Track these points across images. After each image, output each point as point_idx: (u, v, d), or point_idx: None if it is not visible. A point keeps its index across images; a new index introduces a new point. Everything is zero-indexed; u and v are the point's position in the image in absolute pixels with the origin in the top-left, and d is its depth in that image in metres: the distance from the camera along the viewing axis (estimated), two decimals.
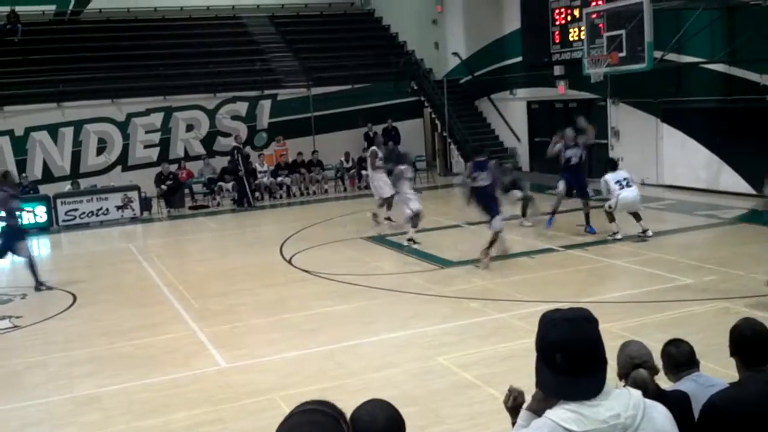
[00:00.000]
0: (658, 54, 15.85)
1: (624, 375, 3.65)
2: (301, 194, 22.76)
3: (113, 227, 19.15)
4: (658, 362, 3.89)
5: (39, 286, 12.46)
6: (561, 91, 22.07)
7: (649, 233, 12.98)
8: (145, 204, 20.44)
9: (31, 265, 12.59)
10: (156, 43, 26.34)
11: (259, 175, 22.08)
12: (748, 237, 13.17)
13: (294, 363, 8.15)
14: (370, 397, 2.49)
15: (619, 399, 2.39)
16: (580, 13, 18.86)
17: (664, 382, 3.85)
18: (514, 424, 2.81)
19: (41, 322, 10.51)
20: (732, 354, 3.56)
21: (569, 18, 20.51)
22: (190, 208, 21.49)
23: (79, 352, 9.08)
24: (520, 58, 23.41)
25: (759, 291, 9.15)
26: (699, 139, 17.81)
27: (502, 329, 8.77)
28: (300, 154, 23.25)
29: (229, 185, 21.64)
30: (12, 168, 21.84)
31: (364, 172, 23.14)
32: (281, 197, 22.47)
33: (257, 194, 21.74)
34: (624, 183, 12.87)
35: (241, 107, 24.72)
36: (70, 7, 28.21)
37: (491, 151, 17.14)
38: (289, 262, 13.39)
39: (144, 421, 6.90)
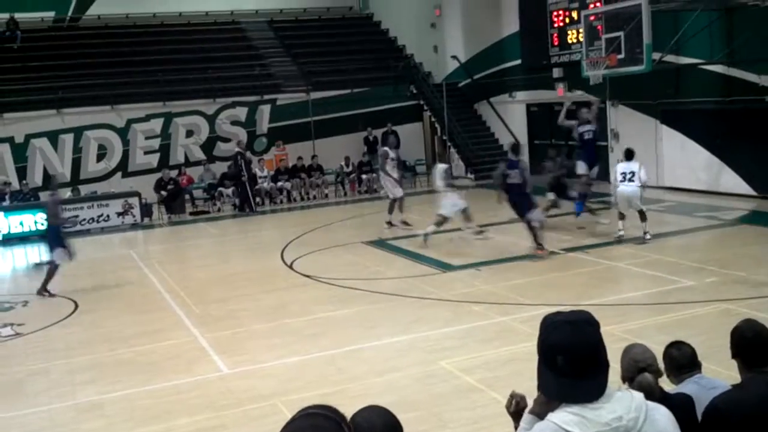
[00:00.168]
0: (656, 55, 15.87)
1: (629, 378, 3.64)
2: (302, 199, 22.77)
3: (114, 234, 19.17)
4: (661, 365, 3.89)
5: (43, 291, 12.46)
6: (560, 93, 22.08)
7: (647, 237, 12.89)
8: (146, 210, 20.46)
9: (52, 272, 12.61)
10: (155, 49, 26.37)
11: (259, 180, 22.10)
12: (748, 238, 13.16)
13: (295, 368, 8.15)
14: (372, 401, 2.49)
15: (622, 401, 2.39)
16: (579, 15, 18.88)
17: (666, 384, 3.85)
18: (516, 428, 2.82)
19: (43, 329, 10.51)
20: (733, 356, 3.56)
21: (567, 20, 20.53)
22: (191, 213, 21.50)
23: (80, 359, 9.08)
24: (518, 61, 23.44)
25: (761, 292, 9.15)
26: (699, 141, 17.81)
27: (504, 333, 8.77)
28: (300, 158, 23.27)
29: (229, 190, 21.66)
30: (12, 175, 21.91)
31: (364, 176, 23.21)
32: (282, 202, 22.47)
33: (258, 199, 21.76)
34: (628, 176, 12.80)
35: (241, 112, 24.73)
36: (69, 14, 28.26)
37: (490, 154, 17.21)
38: (290, 267, 13.39)
39: (146, 427, 6.90)
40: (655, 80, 17.56)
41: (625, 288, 10.72)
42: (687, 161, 18.05)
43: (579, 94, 16.33)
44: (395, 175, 16.30)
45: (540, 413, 2.54)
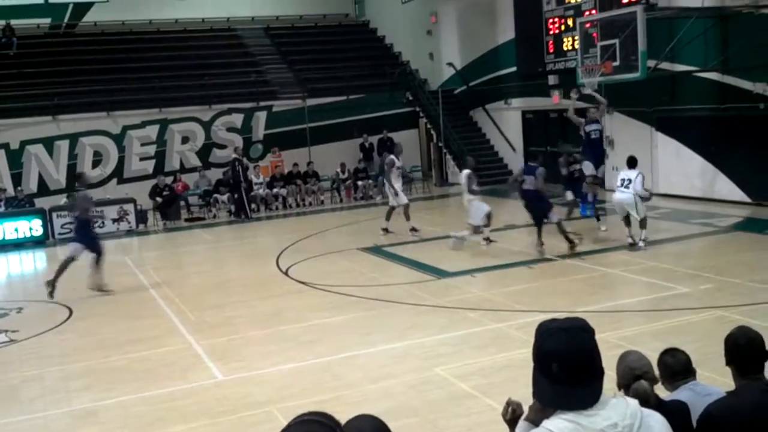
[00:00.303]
0: (651, 63, 15.90)
1: (624, 386, 3.65)
2: (297, 205, 22.76)
3: (109, 240, 19.08)
4: (656, 372, 3.89)
5: (51, 285, 12.45)
6: (555, 100, 22.14)
7: (640, 244, 12.86)
8: (141, 216, 20.43)
9: (65, 265, 12.64)
10: (151, 56, 26.41)
11: (255, 187, 22.10)
12: (743, 245, 13.19)
13: (291, 375, 8.14)
14: (367, 408, 2.49)
15: (616, 408, 2.39)
16: (574, 22, 18.93)
17: (660, 391, 3.85)
18: None
19: (37, 335, 10.47)
20: (727, 363, 3.57)
21: (563, 27, 20.59)
22: (186, 220, 21.48)
23: (75, 365, 9.05)
24: (514, 68, 23.48)
25: (755, 299, 9.17)
26: (693, 148, 17.85)
27: (499, 339, 8.77)
28: (296, 165, 23.28)
29: (225, 197, 21.65)
30: (7, 182, 21.89)
31: (360, 183, 23.23)
32: (277, 209, 22.47)
33: (253, 206, 21.75)
34: (625, 183, 12.78)
35: (237, 119, 24.76)
36: (66, 20, 28.31)
37: (486, 161, 17.22)
38: (286, 273, 13.38)
39: None
40: (650, 87, 17.61)
41: (621, 295, 10.73)
42: (682, 168, 18.09)
43: (592, 89, 16.07)
44: (399, 183, 16.36)
45: (535, 420, 2.54)
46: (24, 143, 22.50)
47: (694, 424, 3.36)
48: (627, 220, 13.03)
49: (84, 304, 12.10)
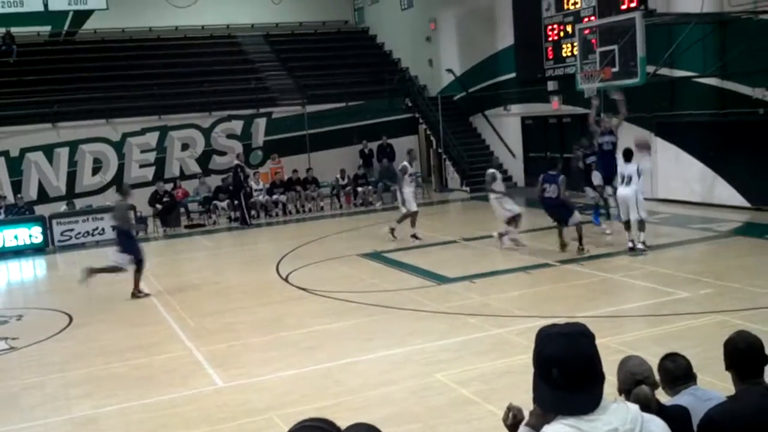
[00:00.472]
0: (651, 68, 15.93)
1: (625, 391, 3.65)
2: (297, 212, 22.78)
3: (109, 247, 19.04)
4: (656, 377, 3.89)
5: (89, 273, 12.89)
6: (555, 106, 22.16)
7: (639, 246, 12.93)
8: (141, 223, 20.39)
9: (110, 271, 13.04)
10: (151, 63, 26.44)
11: (254, 193, 22.11)
12: (743, 250, 13.19)
13: (291, 381, 8.13)
14: (368, 414, 2.50)
15: (617, 413, 2.39)
16: (573, 28, 18.95)
17: (661, 396, 3.85)
18: None
19: (37, 343, 10.47)
20: (727, 368, 3.57)
21: (562, 34, 20.61)
22: (186, 227, 21.48)
23: (75, 372, 9.05)
24: (513, 74, 23.50)
25: (755, 303, 9.17)
26: (693, 153, 17.86)
27: (500, 345, 8.77)
28: (295, 171, 23.30)
29: (224, 203, 21.66)
30: (7, 189, 21.89)
31: (359, 189, 23.24)
32: (277, 215, 22.48)
33: (253, 212, 21.76)
34: (626, 179, 12.82)
35: (237, 126, 24.77)
36: (65, 28, 28.33)
37: (485, 167, 17.13)
38: (286, 280, 13.38)
39: None
40: (650, 93, 17.62)
41: (621, 300, 10.73)
42: (681, 173, 18.10)
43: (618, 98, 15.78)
44: (412, 189, 16.37)
45: (536, 425, 2.55)
46: (24, 150, 22.50)
47: (695, 428, 3.36)
48: (627, 224, 13.07)
49: (84, 312, 12.09)
